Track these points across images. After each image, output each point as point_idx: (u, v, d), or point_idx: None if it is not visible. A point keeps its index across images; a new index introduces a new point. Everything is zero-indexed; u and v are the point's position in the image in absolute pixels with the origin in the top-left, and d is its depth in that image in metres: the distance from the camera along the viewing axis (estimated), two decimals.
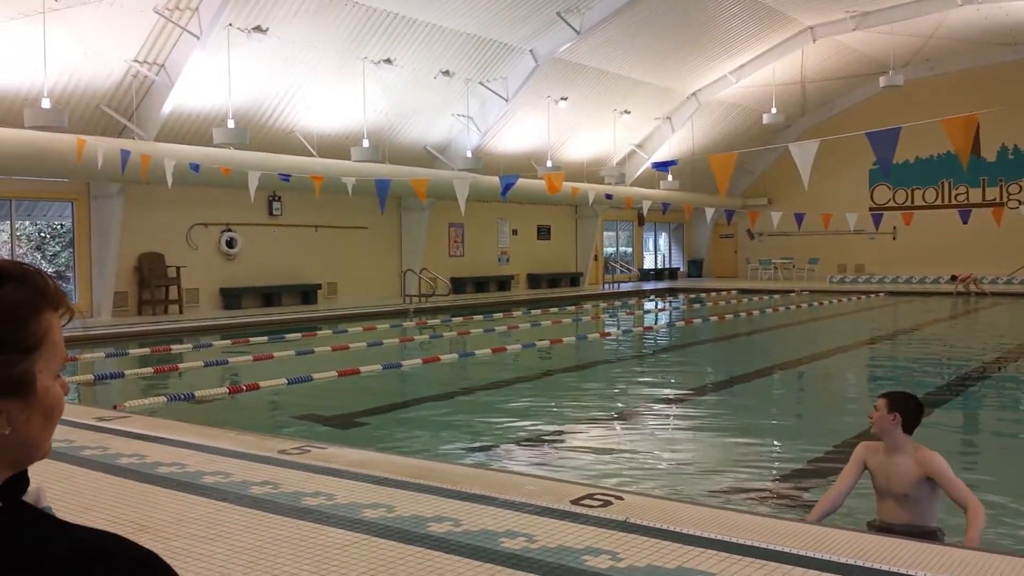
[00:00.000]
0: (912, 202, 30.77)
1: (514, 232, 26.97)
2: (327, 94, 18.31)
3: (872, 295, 24.77)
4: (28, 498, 0.93)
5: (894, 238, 29.65)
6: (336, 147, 18.92)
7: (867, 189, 31.35)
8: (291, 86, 17.70)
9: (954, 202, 29.69)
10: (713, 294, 25.20)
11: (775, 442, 6.96)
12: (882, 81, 23.46)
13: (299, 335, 13.99)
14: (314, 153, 18.53)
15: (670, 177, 26.30)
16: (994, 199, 29.13)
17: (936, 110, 21.02)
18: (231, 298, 18.41)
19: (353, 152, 17.99)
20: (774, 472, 5.97)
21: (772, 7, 22.16)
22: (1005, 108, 22.26)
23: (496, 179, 16.89)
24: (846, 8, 22.77)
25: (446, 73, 19.49)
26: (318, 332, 14.53)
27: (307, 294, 20.14)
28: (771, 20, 23.02)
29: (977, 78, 28.02)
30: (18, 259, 1.13)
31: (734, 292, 25.86)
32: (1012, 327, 16.99)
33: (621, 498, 4.17)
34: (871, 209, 29.50)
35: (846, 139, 15.95)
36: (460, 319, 17.41)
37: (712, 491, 5.36)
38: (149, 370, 10.46)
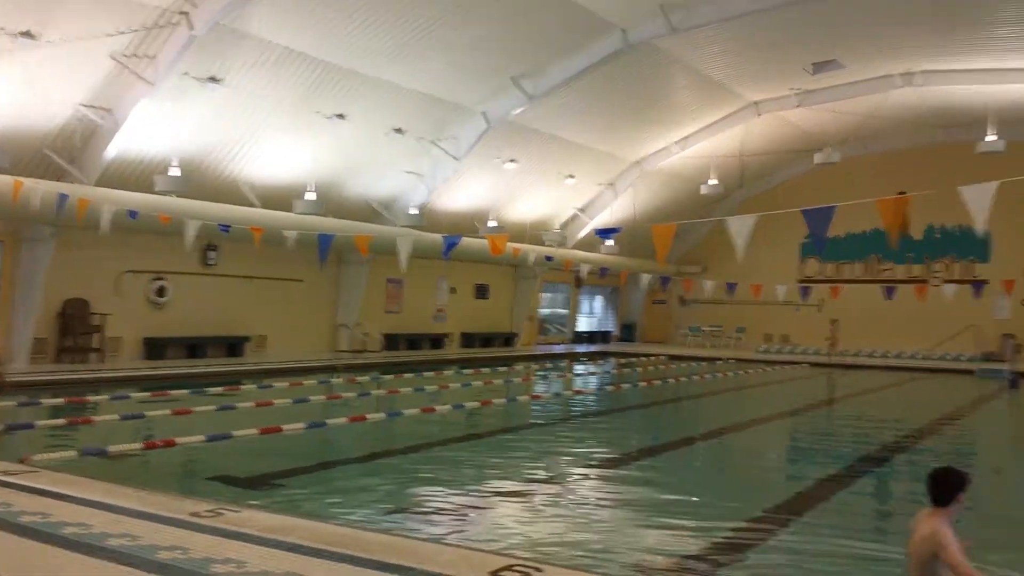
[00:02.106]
0: (840, 276, 31.77)
1: (452, 290, 26.99)
2: (276, 145, 18.27)
3: (796, 365, 25.32)
4: None
5: (819, 310, 30.50)
6: (279, 198, 18.80)
7: (798, 261, 32.31)
8: (241, 136, 17.61)
9: (880, 278, 30.73)
10: (644, 359, 25.49)
11: (696, 512, 7.01)
12: (817, 158, 24.37)
13: (222, 389, 13.68)
14: (257, 204, 18.37)
15: (610, 242, 26.73)
16: (918, 276, 30.27)
17: (868, 187, 21.94)
18: (155, 348, 17.90)
19: (296, 204, 17.88)
20: (694, 543, 6.00)
21: (720, 82, 22.95)
22: (934, 189, 23.28)
23: (439, 237, 16.94)
24: (791, 86, 23.71)
25: (398, 130, 19.65)
26: (242, 386, 14.23)
27: (234, 346, 19.73)
28: (718, 95, 23.82)
29: (909, 158, 29.27)
30: None
31: (663, 357, 26.21)
32: (933, 400, 17.51)
33: (540, 570, 4.14)
34: (800, 281, 30.37)
35: (783, 213, 16.44)
36: (390, 377, 17.25)
37: (634, 563, 5.37)
38: (62, 421, 10.08)
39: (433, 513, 6.57)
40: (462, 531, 6.00)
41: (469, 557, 4.45)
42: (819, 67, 21.85)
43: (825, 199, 12.78)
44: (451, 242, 15.99)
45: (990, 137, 21.23)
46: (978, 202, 7.10)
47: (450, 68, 18.39)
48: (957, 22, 18.89)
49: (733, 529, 6.39)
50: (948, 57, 21.29)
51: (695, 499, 7.52)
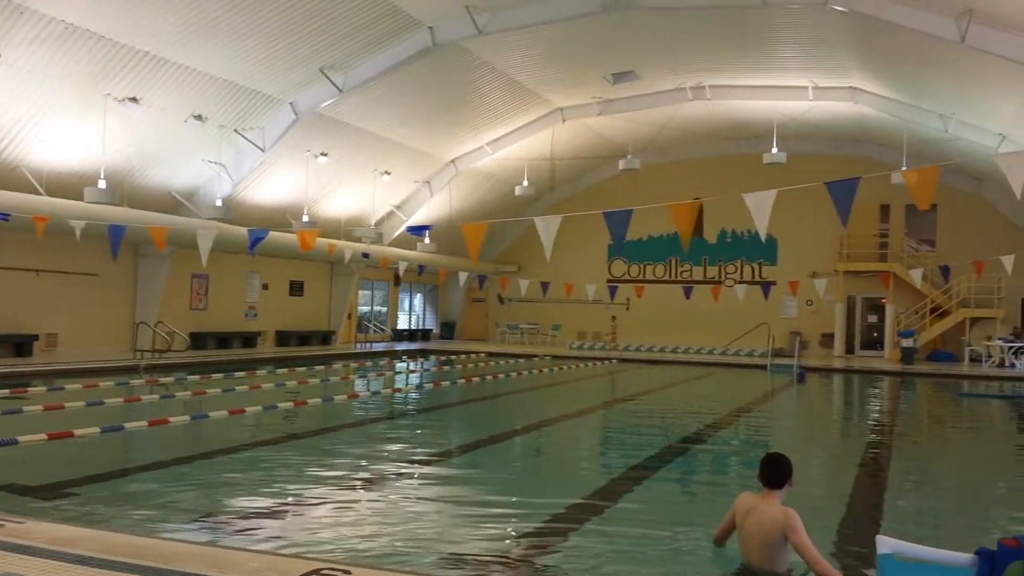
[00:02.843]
0: (644, 276, 33.47)
1: (264, 286, 26.03)
2: (63, 129, 16.84)
3: (606, 361, 26.40)
4: None
5: (627, 308, 31.97)
6: (68, 186, 17.37)
7: (606, 262, 33.70)
8: (22, 118, 16.10)
9: (679, 278, 32.65)
10: (463, 356, 25.70)
11: (514, 504, 7.10)
12: (621, 164, 25.49)
13: (7, 392, 12.47)
14: (42, 191, 16.87)
15: (427, 240, 26.72)
16: (713, 277, 32.40)
17: (668, 193, 23.17)
18: None
19: (87, 192, 16.59)
20: (511, 534, 6.06)
21: (527, 87, 23.48)
22: (726, 195, 25.06)
23: (244, 231, 16.25)
24: (593, 94, 24.62)
25: (198, 117, 18.64)
26: (30, 389, 13.02)
27: (20, 346, 18.08)
28: (526, 99, 24.36)
29: (704, 167, 31.30)
30: None
31: (483, 355, 26.54)
32: (731, 393, 18.75)
33: (349, 572, 4.03)
34: (609, 281, 31.75)
35: (590, 215, 17.04)
36: (197, 377, 16.39)
37: (449, 557, 5.35)
38: None
39: (242, 519, 6.26)
40: (273, 537, 5.74)
41: (276, 563, 4.26)
42: (618, 77, 22.89)
43: (629, 203, 13.39)
44: (257, 236, 15.38)
45: (774, 150, 23.03)
46: (760, 208, 7.65)
47: (254, 55, 17.69)
48: (743, 41, 20.35)
49: (550, 518, 6.52)
50: (734, 73, 22.91)
51: (513, 492, 7.61)
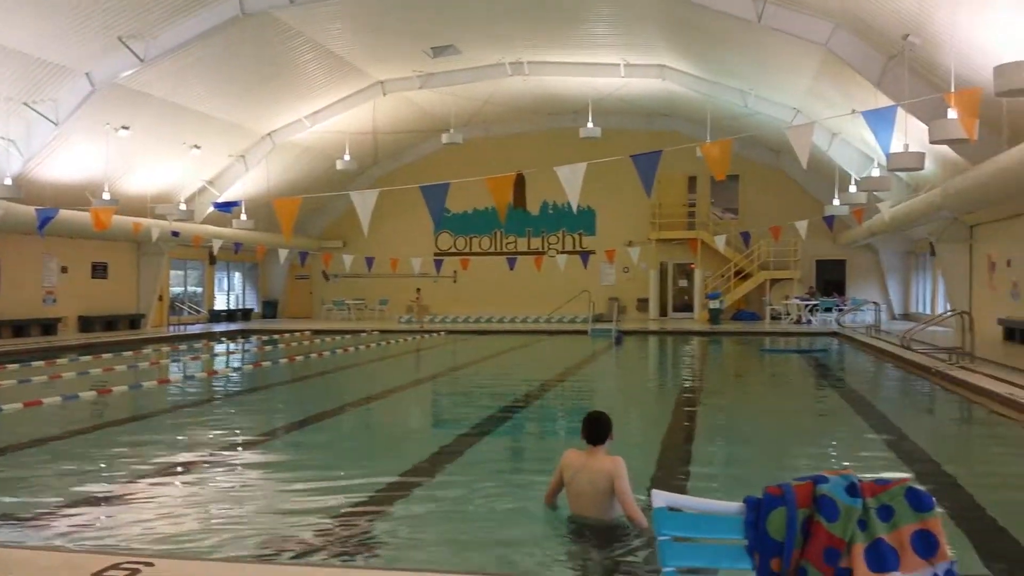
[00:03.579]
0: (470, 249, 33.76)
1: (63, 270, 24.15)
2: None
3: (435, 333, 26.50)
4: None
5: (455, 281, 32.18)
6: None
7: (433, 236, 33.69)
8: None
9: (505, 250, 33.18)
10: (287, 335, 24.99)
11: (343, 478, 7.00)
12: (444, 138, 25.49)
13: None
14: None
15: (243, 216, 25.68)
16: (537, 248, 33.17)
17: (492, 167, 23.32)
18: None
19: None
20: (341, 507, 5.98)
21: (346, 59, 22.91)
22: (546, 169, 25.66)
23: (32, 210, 14.95)
24: (413, 68, 24.38)
25: None
26: None
27: None
28: (345, 71, 23.77)
29: (525, 140, 31.83)
30: None
31: (308, 333, 25.93)
32: (555, 358, 19.30)
33: (152, 564, 3.83)
34: (435, 255, 31.79)
35: (415, 189, 16.94)
36: None
37: (270, 539, 5.20)
38: None
39: (42, 517, 5.80)
40: (75, 533, 5.36)
41: (71, 560, 3.98)
42: (438, 51, 22.81)
43: (453, 177, 13.42)
44: (46, 216, 14.24)
45: (590, 125, 23.75)
46: (571, 181, 7.87)
47: (43, 22, 16.23)
48: (559, 18, 20.77)
49: (378, 490, 6.50)
50: (551, 50, 23.40)
51: (340, 468, 7.51)
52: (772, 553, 2.96)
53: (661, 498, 3.09)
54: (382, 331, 26.69)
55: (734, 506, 3.08)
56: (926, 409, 11.65)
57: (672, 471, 7.21)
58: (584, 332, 25.66)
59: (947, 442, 9.21)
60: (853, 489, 3.00)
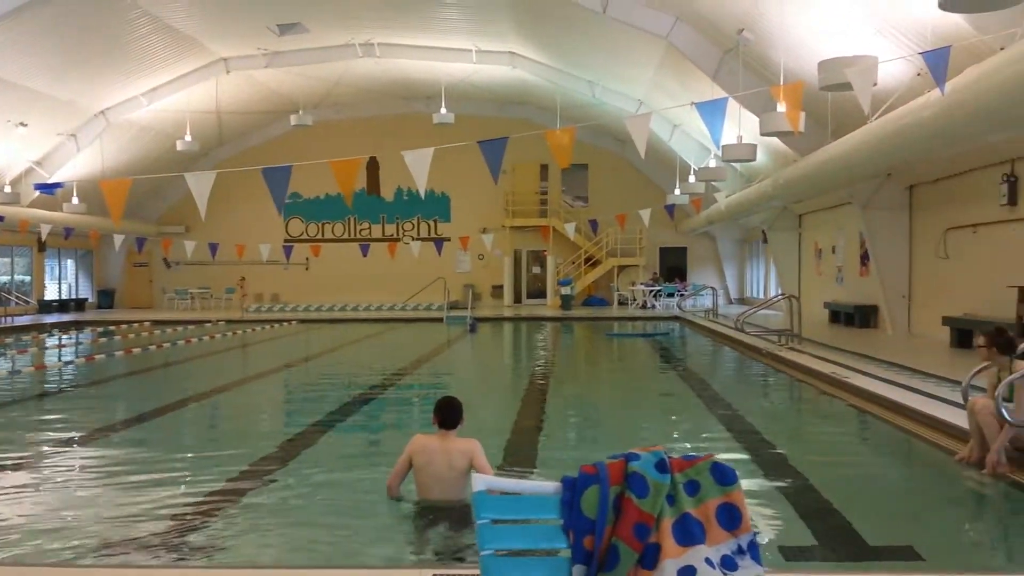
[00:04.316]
0: (322, 236, 33.08)
1: None
2: None
3: (285, 323, 25.82)
4: None
5: (307, 268, 31.47)
6: None
7: (283, 221, 32.77)
8: None
9: (359, 236, 32.72)
10: (124, 326, 23.71)
11: (186, 471, 6.75)
12: (292, 120, 24.80)
13: None
14: None
15: (75, 199, 24.10)
16: (392, 235, 32.89)
17: (343, 151, 22.87)
18: None
19: None
20: (183, 500, 5.76)
21: (185, 34, 21.84)
22: (386, 152, 25.46)
23: None
24: (258, 45, 23.54)
25: None
26: None
27: None
28: (184, 47, 22.67)
29: (379, 124, 31.42)
30: None
31: (147, 323, 24.69)
32: (410, 345, 19.21)
33: None
34: (285, 241, 30.96)
35: (253, 170, 16.42)
36: None
37: (105, 541, 4.95)
38: None
39: None
40: None
41: None
42: (285, 29, 22.13)
43: (302, 160, 13.11)
44: None
45: (443, 110, 23.74)
46: (418, 166, 7.86)
47: None
48: (409, 0, 20.61)
49: (225, 482, 6.33)
50: (402, 32, 23.21)
51: (185, 463, 7.23)
52: (585, 531, 3.02)
53: (480, 481, 3.13)
54: (228, 321, 25.76)
55: (551, 486, 3.15)
56: (759, 389, 12.40)
57: (521, 455, 7.36)
58: (439, 320, 25.68)
59: (776, 420, 9.84)
60: (662, 465, 3.10)
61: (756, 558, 3.08)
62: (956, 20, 10.15)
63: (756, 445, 7.75)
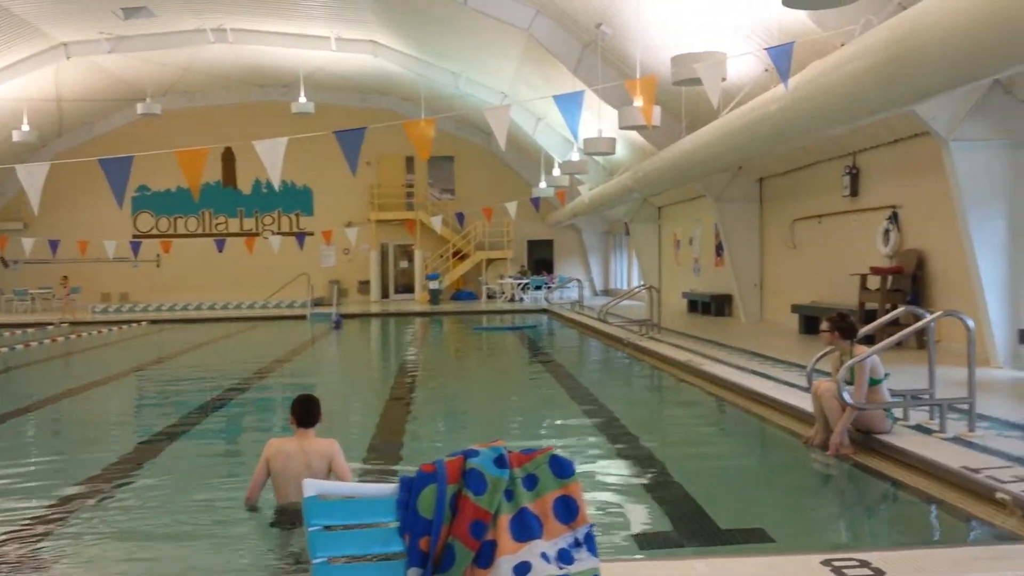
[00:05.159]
0: (174, 231, 31.53)
1: None
2: None
3: (135, 324, 24.44)
4: None
5: (158, 266, 29.91)
6: None
7: (131, 216, 31.05)
8: None
9: (215, 231, 31.38)
10: None
11: (17, 493, 6.16)
12: (140, 108, 23.47)
13: None
14: None
15: None
16: (250, 229, 31.71)
17: (195, 141, 21.87)
18: None
19: None
20: (29, 513, 5.26)
21: (19, 16, 20.23)
22: (237, 143, 24.49)
23: None
24: (100, 29, 22.12)
25: None
26: None
27: None
28: (19, 30, 21.01)
29: (234, 113, 30.19)
30: None
31: None
32: (272, 344, 18.52)
33: None
34: (134, 237, 29.33)
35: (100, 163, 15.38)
36: None
37: None
38: None
39: None
40: None
41: None
42: (130, 12, 20.84)
43: (152, 150, 12.33)
44: None
45: (302, 99, 23.03)
46: (271, 156, 7.49)
47: None
48: None
49: (66, 496, 5.88)
50: (257, 17, 22.35)
51: (25, 471, 6.67)
52: (422, 532, 2.93)
53: (312, 487, 2.97)
54: (73, 323, 24.15)
55: (388, 488, 3.04)
56: (621, 378, 12.59)
57: (386, 453, 7.15)
58: (303, 317, 24.95)
59: (636, 408, 9.99)
60: (501, 460, 3.04)
61: (592, 550, 3.04)
62: (801, 17, 10.57)
63: (616, 434, 7.82)
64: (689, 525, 5.05)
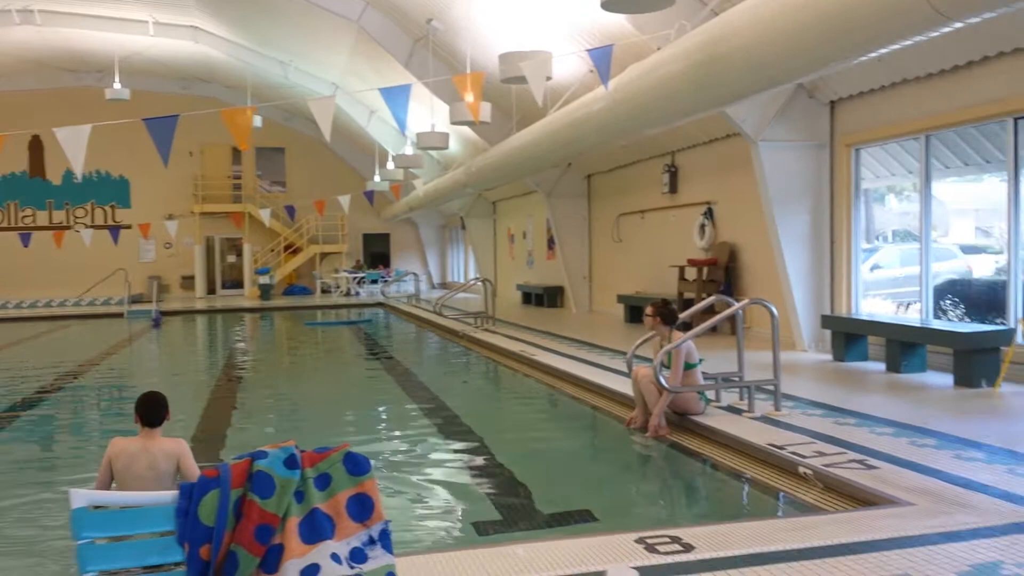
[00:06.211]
0: None
1: None
2: None
3: None
4: None
5: None
6: None
7: None
8: None
9: (20, 224, 29.04)
10: None
11: None
12: None
13: None
14: None
15: None
16: (61, 222, 29.53)
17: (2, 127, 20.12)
18: None
19: None
20: None
21: None
22: (30, 131, 22.76)
23: None
24: None
25: None
26: None
27: None
28: None
29: (44, 99, 28.03)
30: None
31: None
32: (86, 343, 17.33)
33: None
34: None
35: None
36: None
37: None
38: None
39: None
40: None
41: None
42: None
43: None
44: None
45: (116, 85, 21.67)
46: (73, 145, 7.02)
47: None
48: None
49: None
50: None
51: None
52: (202, 540, 2.82)
53: (81, 497, 2.79)
54: None
55: (168, 495, 2.91)
56: (456, 370, 12.70)
57: (207, 457, 6.87)
58: (120, 315, 23.52)
59: (470, 400, 10.12)
60: (292, 461, 2.96)
61: (388, 547, 2.99)
62: (621, 21, 11.01)
63: (447, 425, 7.89)
64: (519, 511, 5.18)
